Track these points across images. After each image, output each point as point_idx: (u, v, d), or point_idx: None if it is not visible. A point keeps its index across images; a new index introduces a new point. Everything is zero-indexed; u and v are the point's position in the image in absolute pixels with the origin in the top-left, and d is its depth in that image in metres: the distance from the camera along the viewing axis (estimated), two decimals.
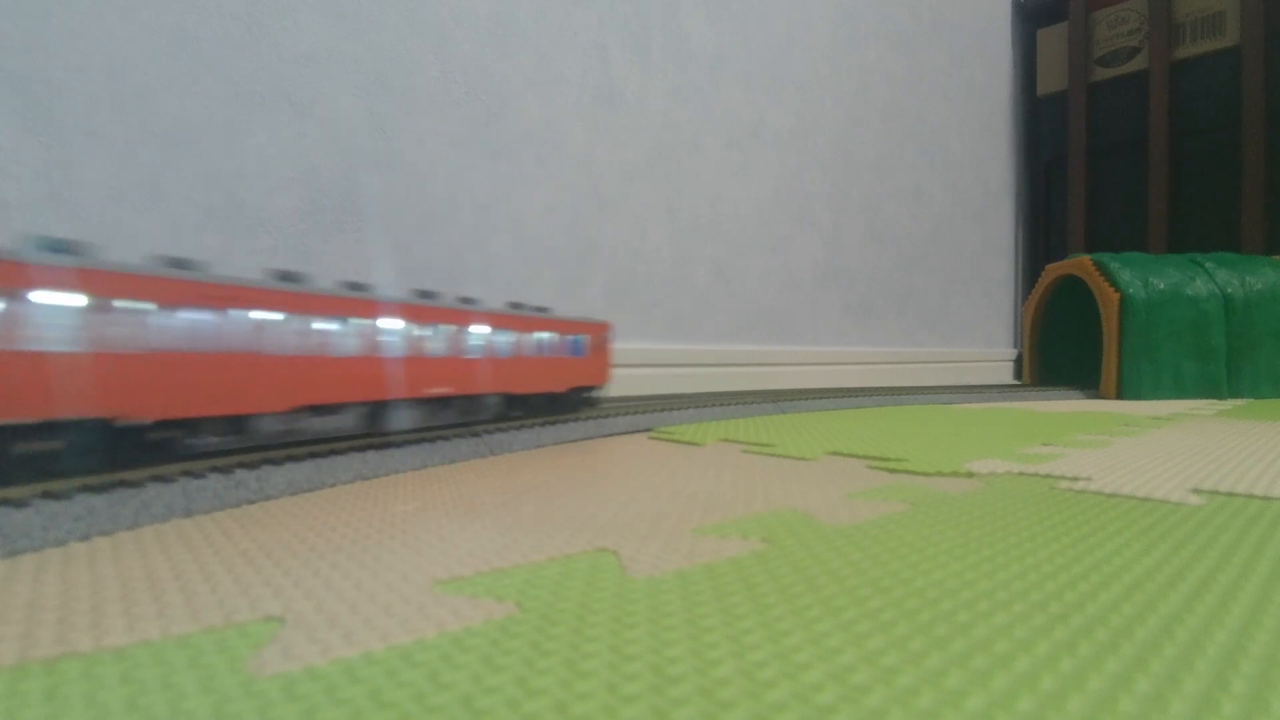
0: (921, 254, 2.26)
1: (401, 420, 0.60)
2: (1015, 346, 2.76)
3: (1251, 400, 1.54)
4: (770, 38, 1.72)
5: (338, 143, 0.99)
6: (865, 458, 0.63)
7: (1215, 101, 2.28)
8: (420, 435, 0.62)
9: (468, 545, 0.34)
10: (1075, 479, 0.52)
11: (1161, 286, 1.59)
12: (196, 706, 0.18)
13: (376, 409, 0.58)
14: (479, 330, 0.68)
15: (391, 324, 0.58)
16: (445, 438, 0.63)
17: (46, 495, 0.37)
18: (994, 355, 2.63)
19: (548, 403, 0.81)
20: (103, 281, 0.39)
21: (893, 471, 0.56)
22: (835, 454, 0.66)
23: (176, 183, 0.85)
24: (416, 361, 0.61)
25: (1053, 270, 1.85)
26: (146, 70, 0.83)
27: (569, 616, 0.25)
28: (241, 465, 0.47)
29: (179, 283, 0.43)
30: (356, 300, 0.55)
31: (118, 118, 0.81)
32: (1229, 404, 1.41)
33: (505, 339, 0.72)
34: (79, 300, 0.38)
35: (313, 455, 0.52)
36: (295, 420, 0.51)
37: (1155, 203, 2.39)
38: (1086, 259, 1.70)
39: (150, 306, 0.41)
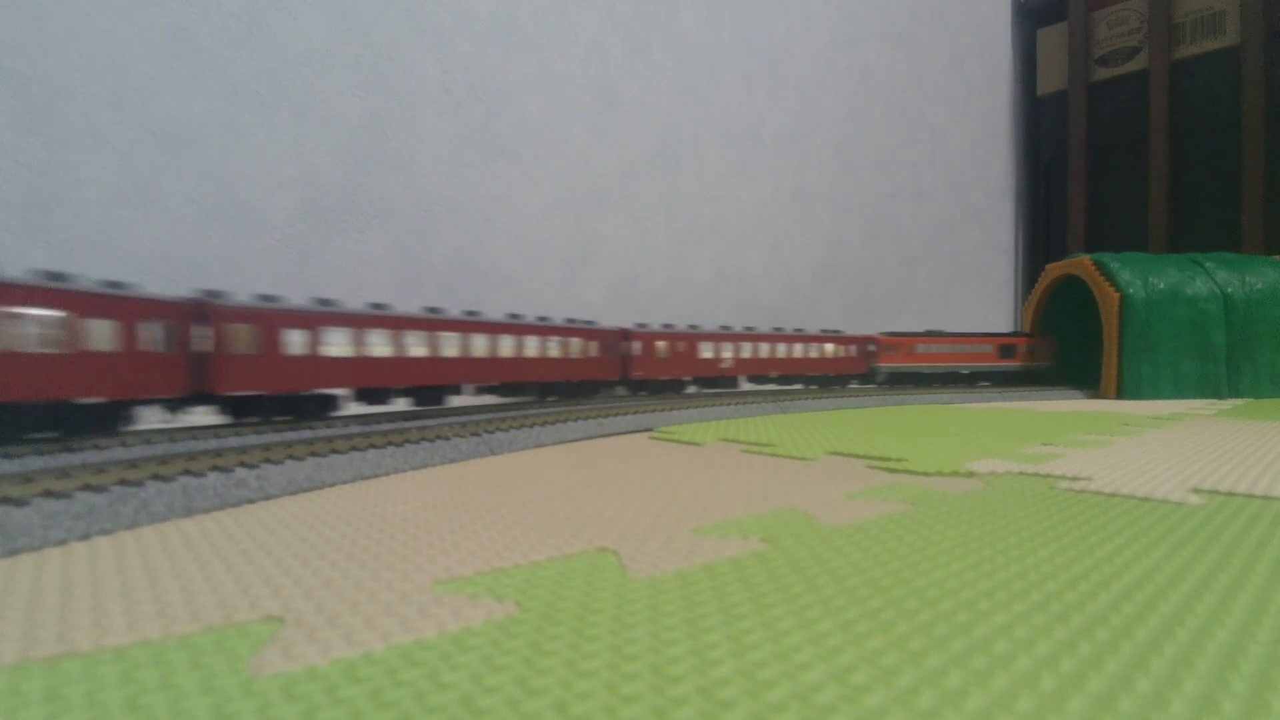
0: (921, 253, 2.26)
1: None
2: None
3: (1251, 400, 1.54)
4: (770, 37, 1.72)
5: (338, 143, 0.99)
6: (865, 458, 0.63)
7: (1215, 101, 2.28)
8: (420, 435, 0.62)
9: (468, 545, 0.34)
10: (1075, 479, 0.52)
11: (1161, 286, 1.59)
12: (196, 706, 0.18)
13: None
14: None
15: None
16: (445, 437, 0.63)
17: (47, 494, 0.37)
18: None
19: None
20: None
21: (893, 471, 0.56)
22: (835, 454, 0.66)
23: (176, 183, 0.85)
24: None
25: (1053, 270, 1.85)
26: (146, 70, 0.83)
27: (569, 616, 0.25)
28: (242, 464, 0.47)
29: None
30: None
31: (118, 118, 0.81)
32: (1229, 404, 1.41)
33: None
34: None
35: (313, 454, 0.52)
36: None
37: (1155, 203, 2.38)
38: (1086, 259, 1.70)
39: None
